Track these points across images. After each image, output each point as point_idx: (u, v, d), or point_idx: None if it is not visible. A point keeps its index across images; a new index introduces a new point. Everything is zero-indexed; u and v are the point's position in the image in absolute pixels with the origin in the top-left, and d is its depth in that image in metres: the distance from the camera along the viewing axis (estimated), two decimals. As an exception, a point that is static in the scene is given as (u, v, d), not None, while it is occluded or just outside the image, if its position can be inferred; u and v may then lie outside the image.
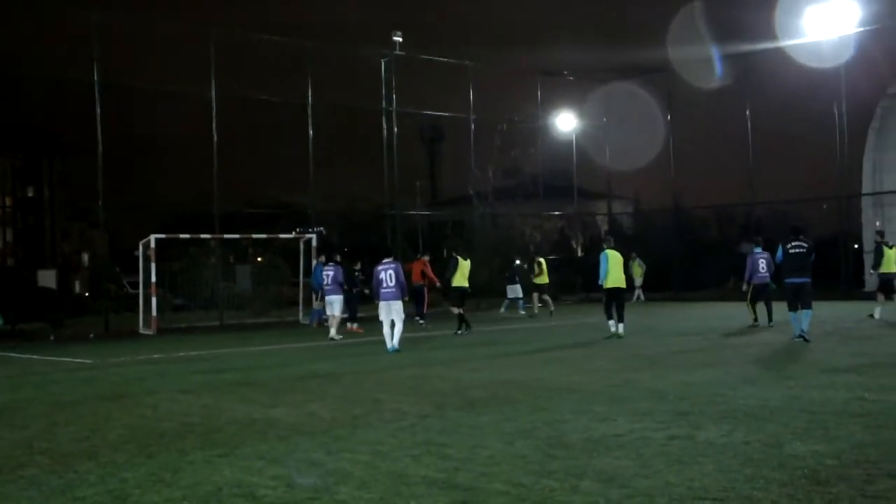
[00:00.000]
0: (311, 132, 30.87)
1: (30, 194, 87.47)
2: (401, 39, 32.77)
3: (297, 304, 28.59)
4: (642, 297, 33.37)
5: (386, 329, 17.11)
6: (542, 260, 28.32)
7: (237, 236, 29.66)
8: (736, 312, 22.53)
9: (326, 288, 21.19)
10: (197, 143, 30.19)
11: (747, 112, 34.72)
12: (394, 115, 33.17)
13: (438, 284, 24.19)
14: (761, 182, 35.71)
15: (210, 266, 30.72)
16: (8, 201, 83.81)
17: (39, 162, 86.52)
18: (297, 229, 31.42)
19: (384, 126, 33.06)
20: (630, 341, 17.65)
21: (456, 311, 21.47)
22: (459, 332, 20.87)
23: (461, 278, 21.64)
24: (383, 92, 33.02)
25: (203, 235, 28.47)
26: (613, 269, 18.40)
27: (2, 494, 6.41)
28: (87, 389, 12.67)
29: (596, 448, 7.30)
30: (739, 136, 35.16)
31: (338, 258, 22.05)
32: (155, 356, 17.91)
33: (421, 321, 24.18)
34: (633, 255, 33.20)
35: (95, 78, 26.79)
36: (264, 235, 30.23)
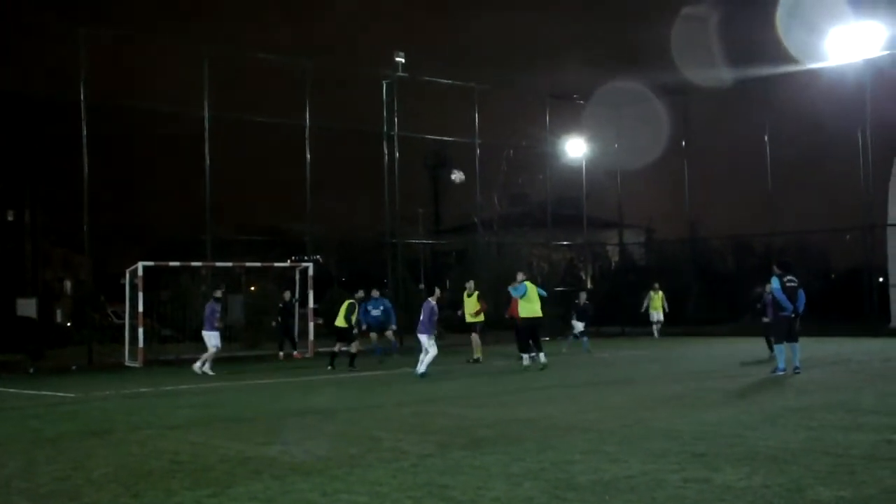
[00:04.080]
0: (308, 156, 30.98)
1: (9, 218, 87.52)
2: (403, 60, 32.91)
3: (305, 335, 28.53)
4: (656, 333, 32.84)
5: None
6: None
7: (230, 264, 29.67)
8: (754, 349, 22.50)
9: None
10: (188, 166, 30.29)
11: (766, 138, 34.81)
12: (395, 139, 33.26)
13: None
14: (781, 211, 35.76)
15: (201, 295, 30.69)
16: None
17: (21, 185, 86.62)
18: (293, 257, 31.44)
19: (385, 150, 33.16)
20: (643, 378, 17.63)
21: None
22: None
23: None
24: (384, 115, 33.14)
25: (194, 263, 28.49)
26: (533, 300, 20.66)
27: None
28: (69, 425, 12.65)
29: (606, 490, 7.29)
30: (758, 163, 35.21)
31: (218, 294, 22.98)
32: (142, 390, 17.87)
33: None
34: (656, 285, 32.93)
35: (82, 97, 26.92)
36: (258, 264, 30.25)
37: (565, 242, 42.22)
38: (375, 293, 25.31)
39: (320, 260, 33.61)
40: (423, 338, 19.18)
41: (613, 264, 45.79)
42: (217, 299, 22.04)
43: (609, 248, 46.33)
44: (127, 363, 25.36)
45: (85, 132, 27.09)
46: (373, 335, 25.11)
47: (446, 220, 66.59)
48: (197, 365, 21.40)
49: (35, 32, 30.41)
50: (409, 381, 17.16)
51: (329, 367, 21.72)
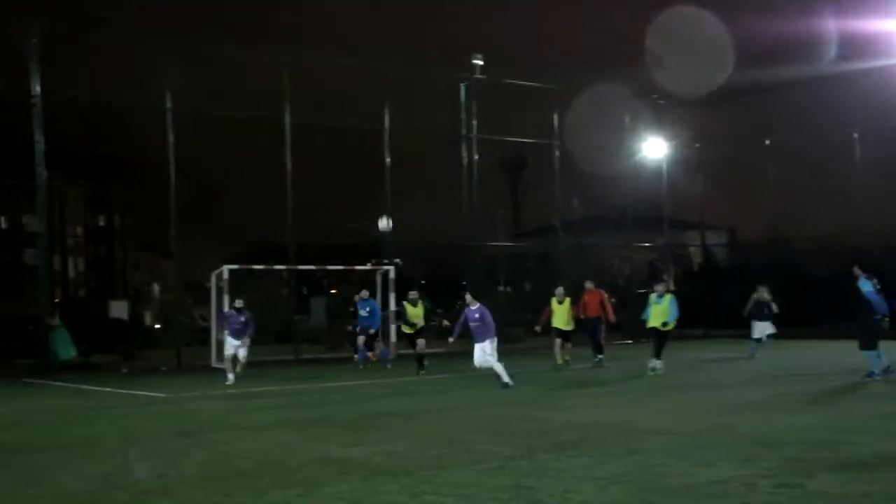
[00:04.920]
0: (387, 159, 31.17)
1: (101, 223, 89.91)
2: (482, 62, 32.92)
3: (387, 337, 28.69)
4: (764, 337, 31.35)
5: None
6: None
7: (312, 268, 29.99)
8: (844, 352, 21.96)
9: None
10: (271, 171, 30.72)
11: (855, 135, 33.95)
12: (474, 141, 33.28)
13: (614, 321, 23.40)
14: (871, 211, 34.80)
15: (283, 298, 31.09)
16: (79, 230, 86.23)
17: (111, 191, 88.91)
18: (373, 260, 31.66)
19: (464, 153, 33.19)
20: (729, 382, 17.34)
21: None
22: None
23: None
24: (463, 117, 33.17)
25: (277, 266, 28.86)
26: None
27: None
28: (160, 424, 12.92)
29: (696, 495, 7.17)
30: (846, 160, 34.37)
31: (238, 304, 20.74)
32: (229, 391, 18.17)
33: (598, 357, 22.60)
34: (760, 287, 31.73)
35: (168, 105, 27.52)
36: (340, 267, 30.49)
37: (646, 244, 41.77)
38: (364, 293, 24.70)
39: (400, 263, 33.77)
40: (486, 345, 17.36)
41: (696, 266, 45.17)
42: (238, 309, 20.44)
43: (691, 249, 45.71)
44: (213, 365, 25.77)
45: (171, 139, 27.68)
46: (360, 339, 24.14)
47: (525, 223, 66.35)
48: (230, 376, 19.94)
49: (126, 42, 31.03)
50: (486, 385, 17.10)
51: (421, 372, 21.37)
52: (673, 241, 43.07)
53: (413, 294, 22.79)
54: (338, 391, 17.90)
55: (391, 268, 28.74)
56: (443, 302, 41.40)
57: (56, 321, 25.82)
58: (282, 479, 8.28)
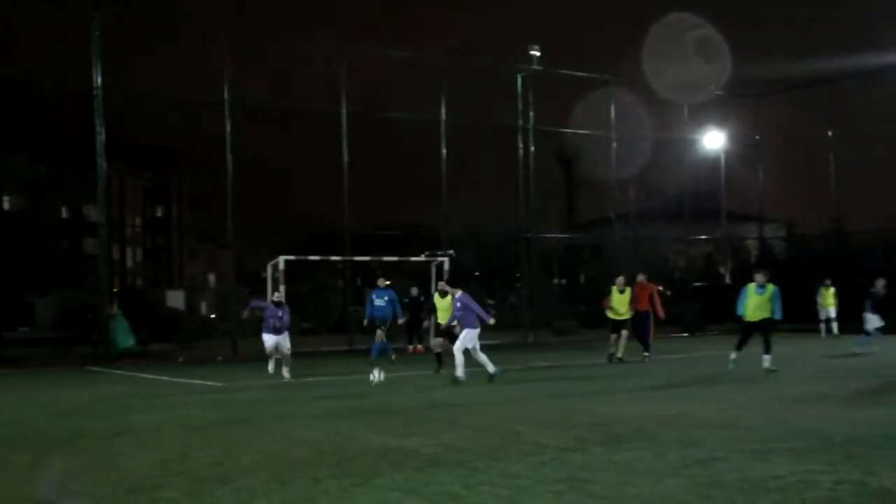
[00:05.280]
0: (443, 151, 31.23)
1: (158, 214, 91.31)
2: (538, 54, 32.84)
3: (428, 330, 28.81)
4: (835, 329, 31.07)
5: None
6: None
7: (367, 258, 30.16)
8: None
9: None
10: (327, 162, 30.96)
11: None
12: (530, 133, 33.22)
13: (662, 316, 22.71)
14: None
15: (338, 289, 31.31)
16: (137, 221, 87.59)
17: (169, 182, 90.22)
18: (427, 252, 31.79)
19: (520, 144, 33.13)
20: (790, 376, 17.10)
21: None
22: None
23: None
24: (519, 108, 33.12)
25: (333, 257, 29.06)
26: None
27: (140, 516, 6.67)
28: (218, 413, 13.09)
29: (754, 490, 7.08)
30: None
31: (276, 297, 19.74)
32: (284, 381, 18.35)
33: (646, 353, 22.22)
34: (827, 281, 31.34)
35: (226, 96, 27.84)
36: (395, 258, 30.64)
37: (703, 237, 41.36)
38: (381, 282, 23.29)
39: (454, 254, 33.85)
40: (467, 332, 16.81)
41: (753, 259, 44.64)
42: (277, 303, 19.22)
43: (748, 242, 45.18)
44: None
45: (229, 130, 28.00)
46: (379, 332, 22.35)
47: (580, 215, 66.12)
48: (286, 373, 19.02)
49: (185, 34, 31.48)
50: (539, 378, 17.09)
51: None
52: (730, 233, 42.61)
53: (442, 285, 20.80)
54: (392, 382, 17.96)
55: (445, 259, 28.82)
56: (499, 294, 41.39)
57: (115, 310, 26.29)
58: (337, 469, 8.34)
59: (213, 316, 44.89)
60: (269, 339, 18.87)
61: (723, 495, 6.93)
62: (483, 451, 9.19)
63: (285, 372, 18.74)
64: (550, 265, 45.04)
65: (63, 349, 28.86)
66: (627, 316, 21.96)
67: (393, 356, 22.26)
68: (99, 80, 26.37)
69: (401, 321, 23.22)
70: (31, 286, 61.05)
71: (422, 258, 30.78)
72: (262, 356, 25.52)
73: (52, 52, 77.54)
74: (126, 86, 30.06)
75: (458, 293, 17.13)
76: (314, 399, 14.87)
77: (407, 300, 27.00)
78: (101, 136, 26.62)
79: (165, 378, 19.12)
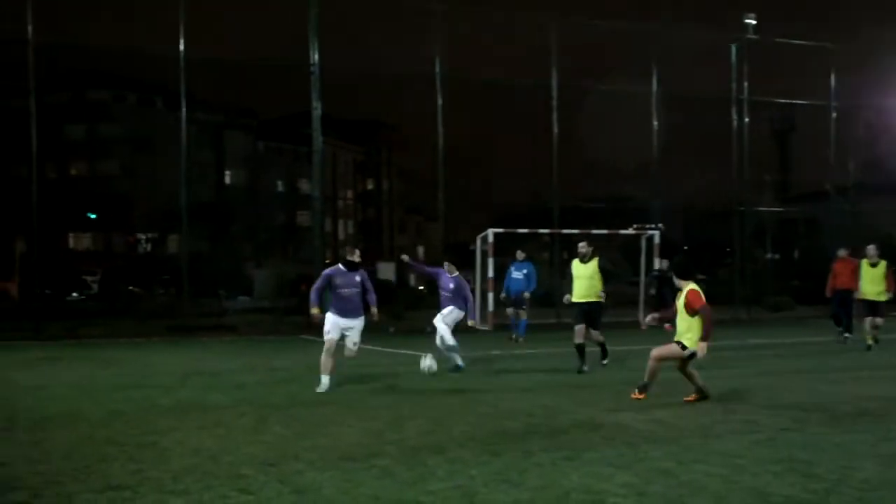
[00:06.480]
0: (655, 123, 30.73)
1: (369, 187, 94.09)
2: (754, 22, 31.78)
3: (636, 303, 28.46)
4: None
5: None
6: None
7: (576, 231, 30.06)
8: None
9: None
10: (536, 135, 31.07)
11: None
12: (745, 104, 32.24)
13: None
14: None
15: (544, 262, 31.40)
16: (349, 194, 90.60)
17: (379, 155, 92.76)
18: (636, 225, 31.37)
19: (734, 116, 32.20)
20: None
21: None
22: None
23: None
24: (733, 79, 32.19)
25: (541, 230, 29.15)
26: None
27: (357, 481, 6.96)
28: (429, 382, 13.44)
29: None
30: None
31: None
32: (493, 352, 18.65)
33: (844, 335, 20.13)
34: None
35: (437, 70, 28.32)
36: (604, 231, 30.42)
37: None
38: (520, 254, 22.30)
39: (663, 228, 33.28)
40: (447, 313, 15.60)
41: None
42: (351, 263, 13.70)
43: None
44: (478, 327, 26.33)
45: (440, 102, 28.50)
46: (509, 310, 22.57)
47: (794, 187, 63.56)
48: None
49: (395, 8, 32.23)
50: (750, 357, 16.57)
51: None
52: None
53: (583, 246, 16.48)
54: (592, 355, 17.86)
55: (656, 232, 28.35)
56: (709, 269, 40.34)
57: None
58: (548, 442, 8.44)
59: (420, 287, 45.97)
60: (336, 326, 13.95)
61: (957, 485, 6.60)
62: (696, 427, 9.09)
63: (325, 378, 13.07)
64: (763, 239, 43.49)
65: (279, 318, 30.23)
66: (883, 298, 18.63)
67: (514, 336, 22.18)
68: (316, 56, 27.34)
69: (527, 295, 22.18)
70: (250, 257, 64.36)
71: (631, 231, 30.40)
72: (470, 329, 26.10)
73: (268, 31, 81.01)
74: (339, 61, 31.05)
75: (455, 274, 15.67)
76: (524, 371, 15.13)
77: (656, 273, 25.79)
78: (317, 112, 27.61)
79: (377, 348, 19.74)
